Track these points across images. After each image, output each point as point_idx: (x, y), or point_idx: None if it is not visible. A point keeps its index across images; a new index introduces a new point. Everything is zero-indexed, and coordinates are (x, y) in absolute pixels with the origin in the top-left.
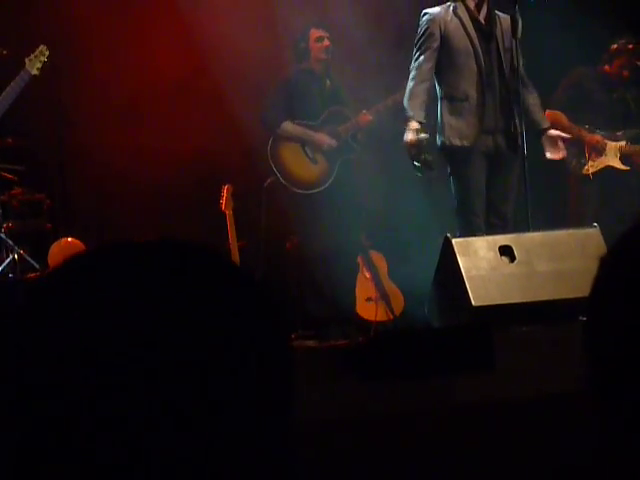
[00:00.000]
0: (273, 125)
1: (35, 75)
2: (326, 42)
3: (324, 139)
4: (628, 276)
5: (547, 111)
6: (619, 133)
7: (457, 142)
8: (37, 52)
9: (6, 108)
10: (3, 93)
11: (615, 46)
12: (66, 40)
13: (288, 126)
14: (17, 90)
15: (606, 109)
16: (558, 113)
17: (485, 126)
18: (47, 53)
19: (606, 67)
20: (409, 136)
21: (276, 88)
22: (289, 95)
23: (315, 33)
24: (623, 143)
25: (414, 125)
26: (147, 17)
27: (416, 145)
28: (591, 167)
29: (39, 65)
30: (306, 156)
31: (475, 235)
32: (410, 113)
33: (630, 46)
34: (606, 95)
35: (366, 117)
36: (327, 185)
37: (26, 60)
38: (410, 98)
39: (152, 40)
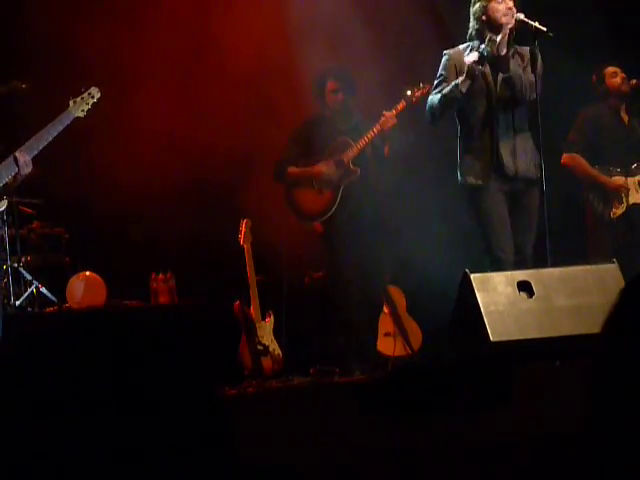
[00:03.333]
0: (281, 176)
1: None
2: (340, 96)
3: (320, 168)
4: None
5: (565, 155)
6: (634, 166)
7: (472, 180)
8: (85, 94)
9: (39, 150)
10: (40, 133)
11: (594, 76)
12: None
13: (292, 170)
14: (56, 132)
15: (620, 143)
16: (577, 157)
17: (498, 163)
18: (98, 95)
19: (604, 98)
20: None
21: (289, 141)
22: (304, 144)
23: (331, 85)
24: (639, 177)
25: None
26: (165, 55)
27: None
28: (618, 210)
29: (85, 107)
30: (314, 189)
31: (501, 270)
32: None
33: (612, 69)
34: (619, 126)
35: (389, 117)
36: (333, 211)
37: (70, 102)
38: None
39: (171, 71)
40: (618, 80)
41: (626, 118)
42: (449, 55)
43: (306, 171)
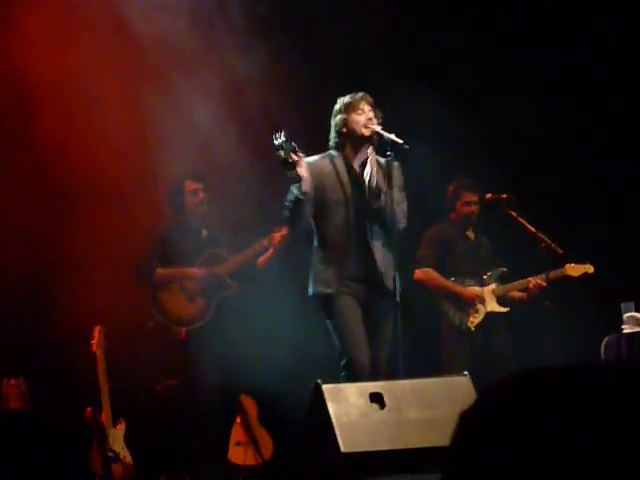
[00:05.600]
0: (147, 276)
1: None
2: (201, 195)
3: (194, 272)
4: (486, 431)
5: (417, 270)
6: (485, 277)
7: (323, 290)
8: None
9: None
10: None
11: (450, 191)
12: None
13: (161, 271)
14: None
15: (469, 256)
16: (429, 271)
17: (351, 273)
18: None
19: (452, 215)
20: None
21: (151, 241)
22: (164, 248)
23: (190, 186)
24: (494, 285)
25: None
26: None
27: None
28: (475, 319)
29: None
30: (184, 294)
31: (362, 369)
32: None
33: (468, 197)
34: (465, 243)
35: (277, 236)
36: (205, 321)
37: None
38: None
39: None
40: (470, 209)
41: (472, 235)
42: (307, 163)
43: (178, 272)
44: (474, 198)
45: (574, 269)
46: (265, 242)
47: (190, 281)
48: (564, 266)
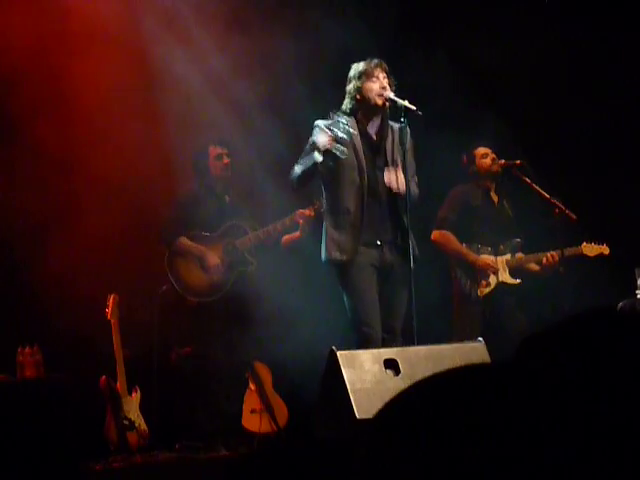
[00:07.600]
0: (170, 240)
1: None
2: (225, 159)
3: (214, 261)
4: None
5: (435, 231)
6: (502, 246)
7: (337, 256)
8: None
9: None
10: None
11: (464, 158)
12: None
13: (184, 241)
14: None
15: (490, 221)
16: (446, 234)
17: (367, 239)
18: None
19: (478, 181)
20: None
21: (174, 205)
22: (187, 211)
23: (214, 150)
24: (508, 256)
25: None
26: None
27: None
28: (485, 288)
29: None
30: (202, 267)
31: (369, 347)
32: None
33: (482, 151)
34: (488, 206)
35: (300, 218)
36: (221, 295)
37: None
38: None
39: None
40: (488, 161)
41: (496, 198)
42: (319, 126)
43: (197, 249)
44: (487, 150)
45: (590, 249)
46: (287, 221)
47: (206, 261)
48: (580, 245)
